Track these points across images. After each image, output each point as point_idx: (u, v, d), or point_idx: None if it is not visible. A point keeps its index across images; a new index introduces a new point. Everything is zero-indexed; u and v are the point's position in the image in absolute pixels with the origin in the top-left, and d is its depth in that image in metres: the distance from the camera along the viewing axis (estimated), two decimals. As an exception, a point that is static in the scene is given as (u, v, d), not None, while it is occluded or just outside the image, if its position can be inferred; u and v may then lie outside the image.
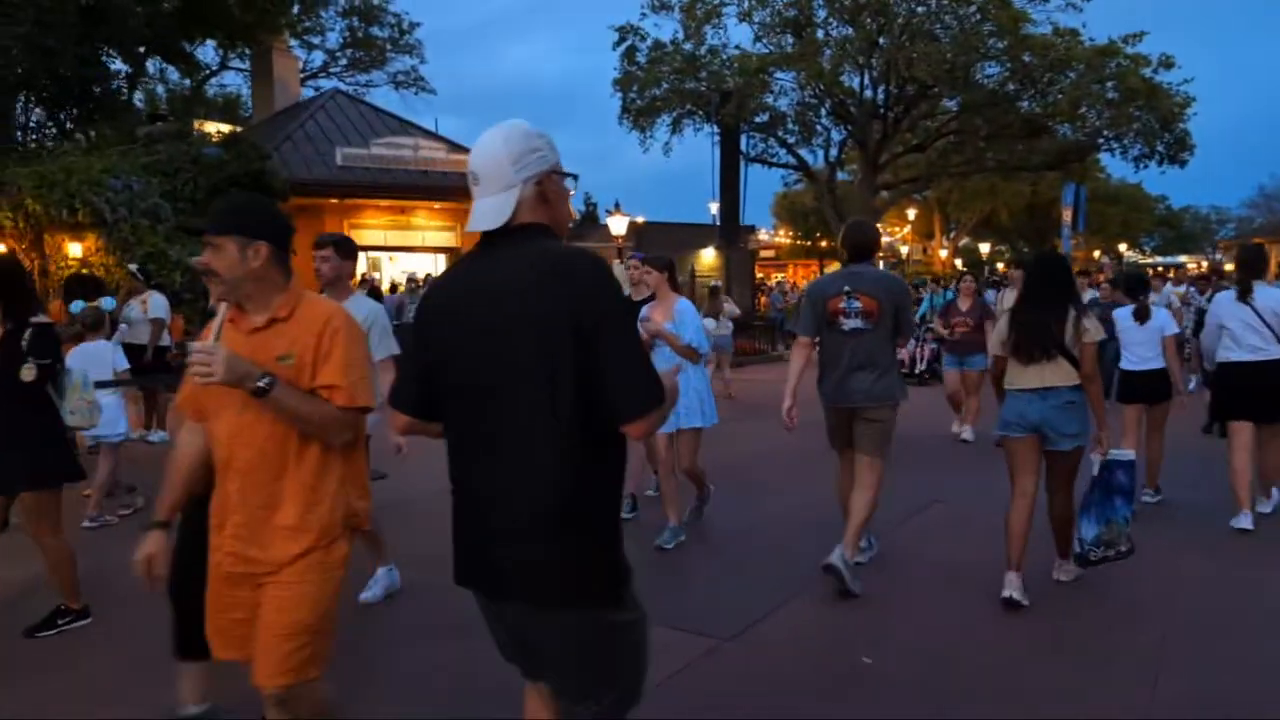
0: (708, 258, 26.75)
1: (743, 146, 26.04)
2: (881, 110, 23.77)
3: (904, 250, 39.80)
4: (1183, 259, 63.10)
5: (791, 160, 26.37)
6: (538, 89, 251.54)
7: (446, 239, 19.37)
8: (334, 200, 17.09)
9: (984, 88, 21.95)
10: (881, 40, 21.12)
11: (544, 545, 1.75)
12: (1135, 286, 6.30)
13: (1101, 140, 22.83)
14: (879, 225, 33.17)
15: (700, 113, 24.44)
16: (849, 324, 4.29)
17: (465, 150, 18.71)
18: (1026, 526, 4.15)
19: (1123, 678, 3.50)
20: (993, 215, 46.26)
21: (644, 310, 5.07)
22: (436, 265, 18.97)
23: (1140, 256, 64.72)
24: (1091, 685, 3.43)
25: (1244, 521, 5.27)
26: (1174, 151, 21.92)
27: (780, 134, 25.70)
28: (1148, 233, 62.62)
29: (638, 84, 23.97)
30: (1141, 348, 5.85)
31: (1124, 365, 5.97)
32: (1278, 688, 3.45)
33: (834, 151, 26.27)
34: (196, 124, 15.44)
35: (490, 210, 1.80)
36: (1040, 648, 3.80)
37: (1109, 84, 20.57)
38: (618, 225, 18.37)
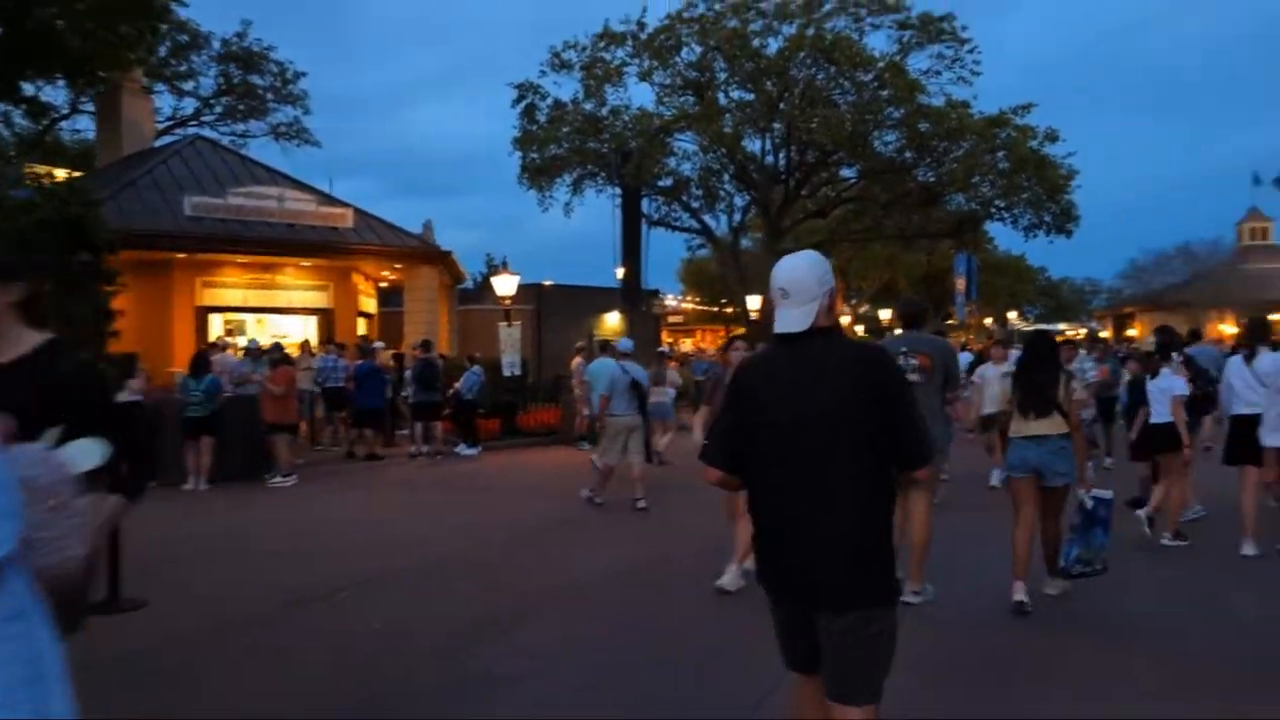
0: (611, 321, 25.83)
1: (646, 209, 25.60)
2: (783, 175, 23.55)
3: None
4: (1062, 326, 66.40)
5: (695, 225, 25.85)
6: (445, 151, 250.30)
7: (317, 299, 17.59)
8: (182, 255, 15.19)
9: (882, 156, 22.02)
10: (782, 105, 20.91)
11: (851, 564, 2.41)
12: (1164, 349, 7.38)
13: (994, 210, 23.08)
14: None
15: (602, 174, 23.78)
16: (910, 378, 4.85)
17: (340, 203, 17.51)
18: (1029, 547, 5.16)
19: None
20: (892, 283, 47.28)
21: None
22: (306, 328, 17.13)
23: (1024, 324, 67.65)
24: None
25: (1249, 549, 6.25)
26: (1060, 222, 22.34)
27: (684, 198, 25.23)
28: (1030, 302, 65.53)
29: (537, 143, 23.15)
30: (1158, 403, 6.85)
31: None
32: None
33: (737, 216, 25.91)
34: (27, 167, 13.49)
35: (799, 317, 2.44)
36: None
37: (1000, 154, 20.84)
38: (504, 285, 17.11)
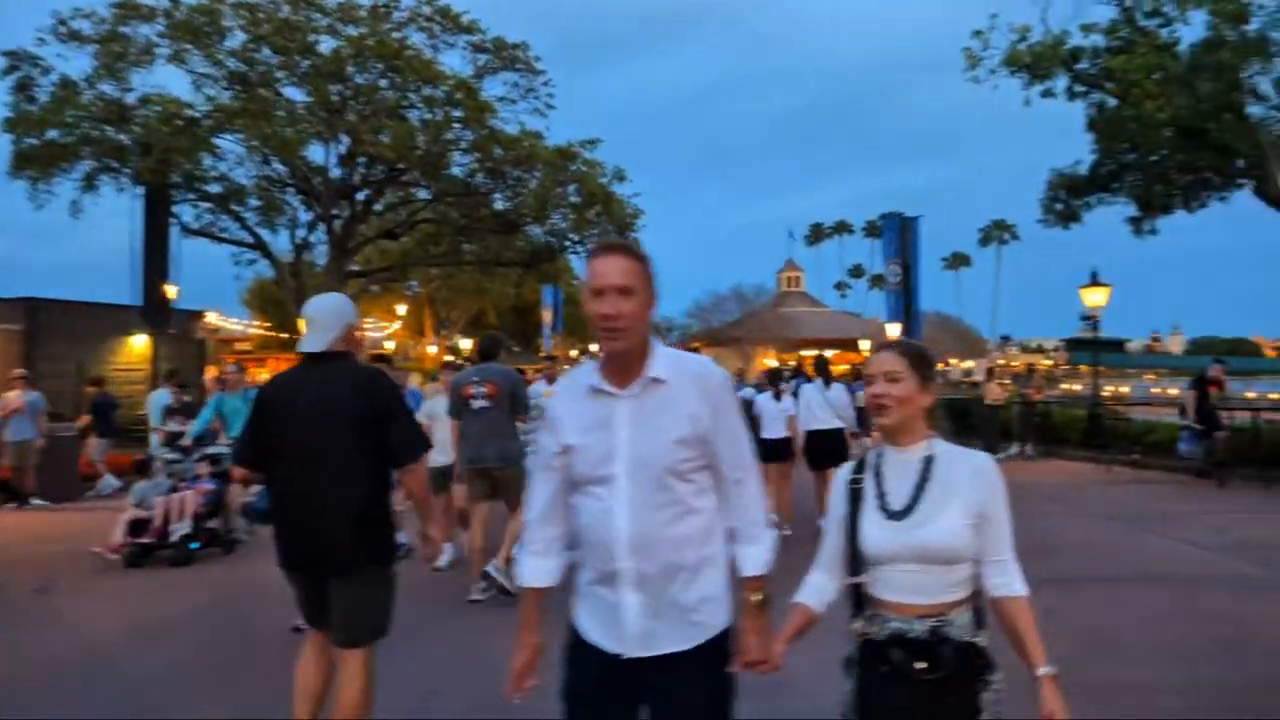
0: (138, 345, 21.38)
1: (187, 217, 21.80)
2: (350, 191, 21.49)
3: (390, 346, 37.72)
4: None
5: (248, 238, 22.57)
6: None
7: None
8: None
9: (456, 179, 21.05)
10: (350, 114, 18.97)
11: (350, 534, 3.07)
12: (774, 378, 8.98)
13: (569, 242, 23.34)
14: (357, 315, 30.64)
15: (127, 170, 19.61)
16: (477, 404, 5.88)
17: None
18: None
19: None
20: (482, 314, 46.98)
21: None
22: None
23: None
24: None
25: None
26: (629, 259, 23.22)
27: (235, 208, 21.90)
28: (616, 335, 70.31)
29: (32, 125, 18.41)
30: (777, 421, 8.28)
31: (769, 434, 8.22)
32: None
33: (301, 233, 23.17)
34: None
35: (318, 341, 3.13)
36: None
37: (572, 186, 21.01)
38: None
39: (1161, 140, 12.06)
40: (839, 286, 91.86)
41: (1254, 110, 11.92)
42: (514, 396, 5.94)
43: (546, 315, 42.81)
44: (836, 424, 8.14)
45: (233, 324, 38.91)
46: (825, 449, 8.01)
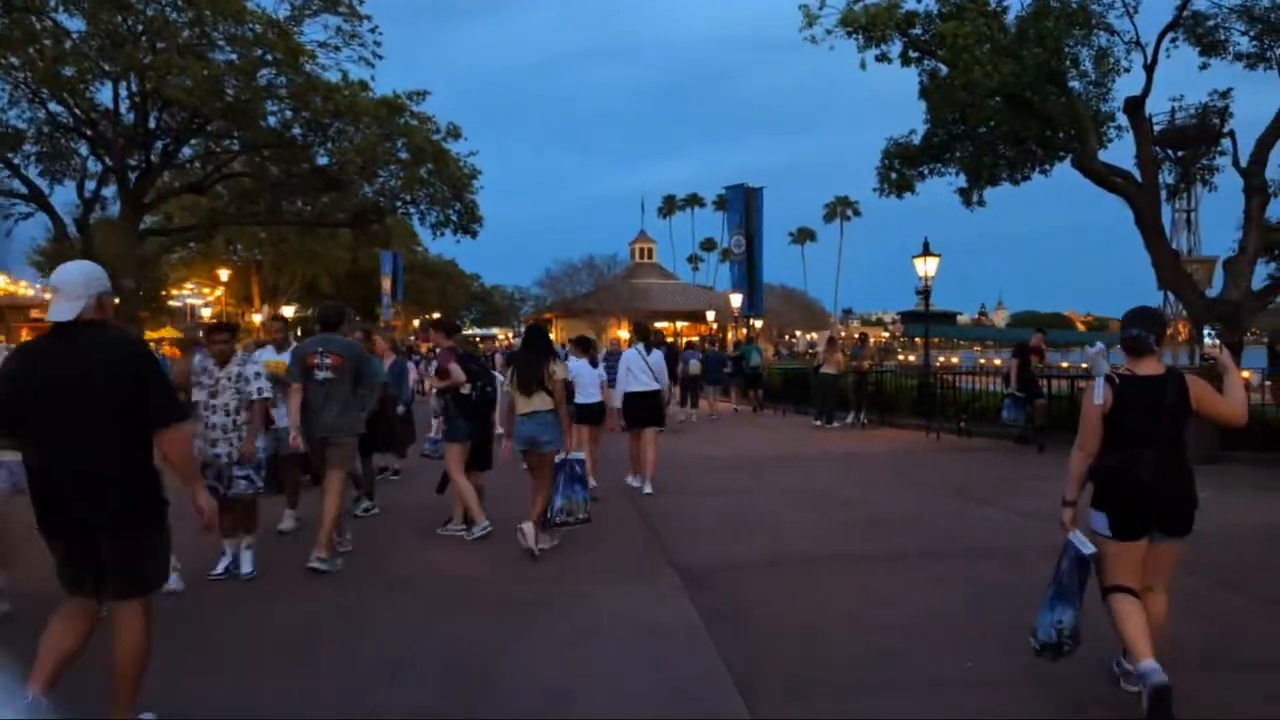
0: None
1: (-57, 163, 18.76)
2: (143, 138, 19.05)
3: (206, 313, 34.56)
4: (495, 331, 70.58)
5: (22, 189, 19.68)
6: None
7: None
8: None
9: (269, 128, 19.02)
10: (144, 53, 16.63)
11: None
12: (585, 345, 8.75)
13: (400, 202, 21.74)
14: (143, 278, 27.85)
15: None
16: (320, 375, 5.87)
17: None
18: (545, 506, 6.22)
19: None
20: (315, 281, 44.03)
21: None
22: None
23: (463, 327, 70.09)
24: None
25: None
26: (465, 221, 21.91)
27: (10, 155, 19.01)
28: (465, 305, 68.00)
29: None
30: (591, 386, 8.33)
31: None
32: None
33: (91, 185, 20.43)
34: None
35: (68, 309, 3.08)
36: None
37: (400, 141, 19.47)
38: None
39: (990, 110, 12.08)
40: (691, 260, 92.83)
41: (1074, 84, 12.12)
42: (358, 368, 6.05)
43: (386, 283, 40.59)
44: (655, 386, 8.74)
45: (23, 287, 34.70)
46: (644, 409, 8.69)
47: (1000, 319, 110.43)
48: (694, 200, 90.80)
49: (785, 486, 9.14)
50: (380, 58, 19.73)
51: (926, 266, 15.58)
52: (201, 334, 5.88)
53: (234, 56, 17.77)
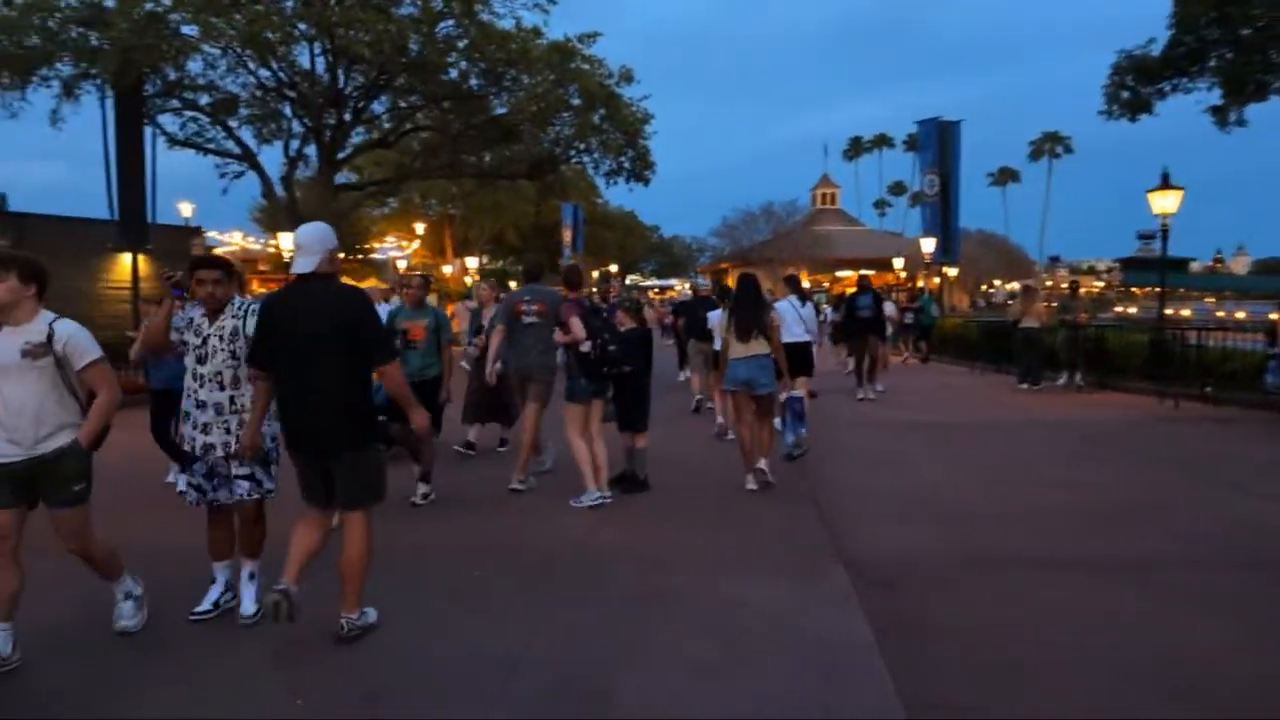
0: (129, 262, 20.13)
1: (174, 127, 20.38)
2: (340, 97, 19.74)
3: (402, 265, 36.23)
4: (673, 281, 70.33)
5: (235, 149, 21.04)
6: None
7: None
8: None
9: (448, 80, 19.12)
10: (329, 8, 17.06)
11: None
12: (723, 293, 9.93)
13: (574, 150, 21.42)
14: (343, 232, 29.44)
15: (106, 76, 18.03)
16: (527, 320, 6.63)
17: None
18: (753, 442, 6.61)
19: None
20: (502, 234, 45.27)
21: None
22: None
23: (640, 278, 70.48)
24: None
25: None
26: (639, 169, 21.29)
27: (225, 119, 20.37)
28: (644, 258, 68.17)
29: (9, 27, 16.87)
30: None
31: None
32: None
33: (295, 144, 21.52)
34: None
35: (305, 264, 3.68)
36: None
37: (572, 87, 19.00)
38: None
39: (1261, 3, 9.81)
40: (878, 205, 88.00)
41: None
42: (558, 314, 6.45)
43: (566, 235, 40.93)
44: (806, 338, 8.75)
45: (251, 243, 37.74)
46: (795, 359, 8.59)
47: (1240, 266, 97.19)
48: (882, 141, 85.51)
49: (979, 459, 7.88)
50: (554, 2, 19.32)
51: (1165, 202, 13.20)
52: (185, 275, 4.09)
53: (413, 8, 17.89)
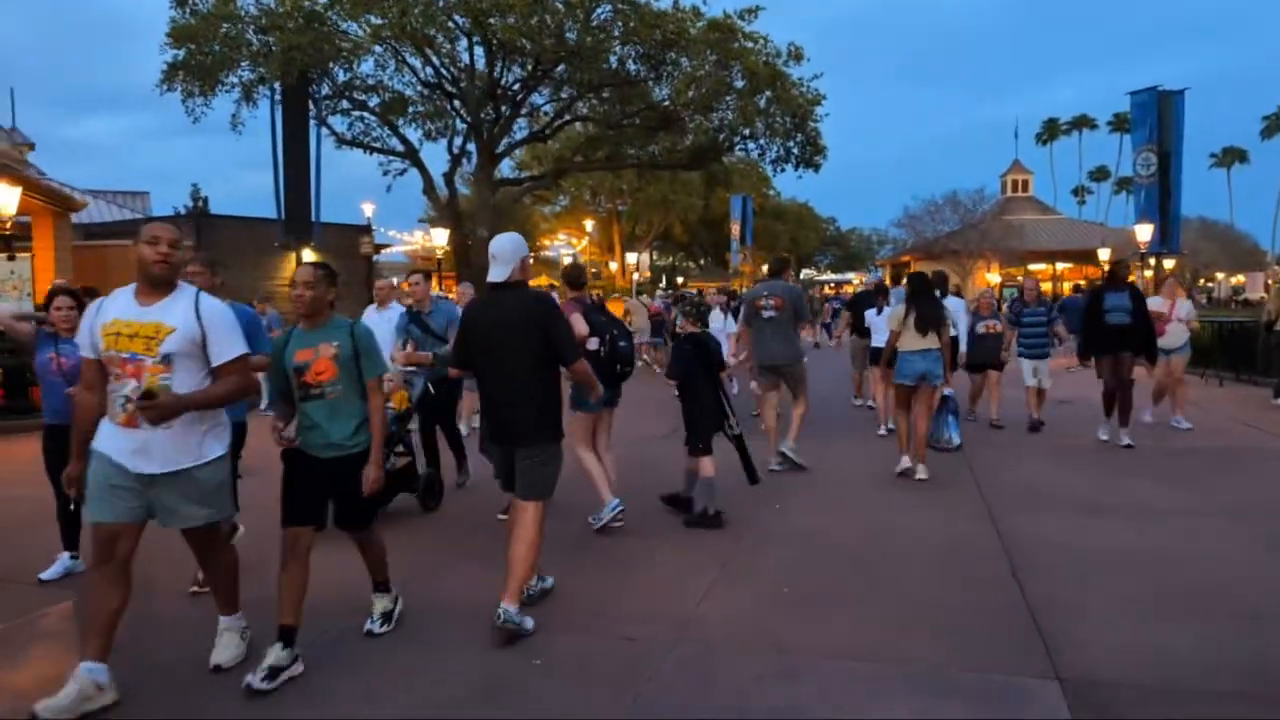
0: (307, 259, 20.97)
1: (340, 127, 21.01)
2: (499, 91, 19.57)
3: (568, 261, 36.42)
4: (851, 275, 67.08)
5: (399, 147, 21.39)
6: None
7: None
8: None
9: (607, 69, 18.41)
10: None
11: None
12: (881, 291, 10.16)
13: (739, 137, 20.18)
14: (505, 228, 29.52)
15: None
16: (767, 314, 7.28)
17: None
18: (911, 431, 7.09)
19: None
20: (670, 229, 44.63)
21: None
22: None
23: (816, 273, 67.91)
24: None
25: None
26: (808, 154, 19.78)
27: (394, 119, 20.76)
28: (819, 251, 65.43)
29: (192, 37, 17.87)
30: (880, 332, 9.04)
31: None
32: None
33: (459, 141, 21.65)
34: None
35: (501, 272, 3.99)
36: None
37: (735, 69, 17.79)
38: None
39: None
40: (1076, 192, 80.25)
41: None
42: (796, 308, 7.30)
43: (734, 228, 39.61)
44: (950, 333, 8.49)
45: (420, 238, 39.05)
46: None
47: None
48: (1082, 123, 77.72)
49: (1242, 507, 5.99)
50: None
51: None
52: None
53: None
